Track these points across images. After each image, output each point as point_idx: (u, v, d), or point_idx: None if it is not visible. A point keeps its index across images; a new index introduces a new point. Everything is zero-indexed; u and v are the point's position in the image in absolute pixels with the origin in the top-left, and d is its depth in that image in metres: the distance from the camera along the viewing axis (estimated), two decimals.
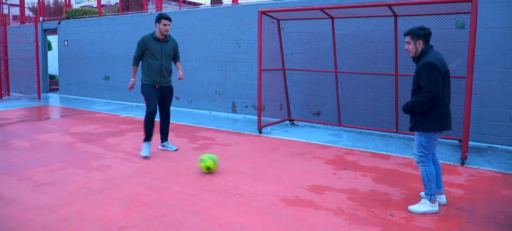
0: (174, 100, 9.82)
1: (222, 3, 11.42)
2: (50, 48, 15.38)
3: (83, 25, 12.02)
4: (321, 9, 6.25)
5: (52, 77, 15.75)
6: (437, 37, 5.87)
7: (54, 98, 12.05)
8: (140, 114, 8.84)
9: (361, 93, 7.15)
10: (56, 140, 6.23)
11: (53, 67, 15.46)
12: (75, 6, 18.58)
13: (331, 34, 7.04)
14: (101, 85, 11.68)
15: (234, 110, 8.95)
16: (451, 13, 5.69)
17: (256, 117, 7.99)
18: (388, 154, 5.53)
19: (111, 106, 10.29)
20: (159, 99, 5.35)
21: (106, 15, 12.42)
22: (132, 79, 5.33)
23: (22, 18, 14.73)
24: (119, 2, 13.66)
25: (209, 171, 4.49)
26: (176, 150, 5.57)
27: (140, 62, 5.35)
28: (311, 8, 6.33)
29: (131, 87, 5.30)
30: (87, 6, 17.14)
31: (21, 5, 14.65)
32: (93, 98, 11.93)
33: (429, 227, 3.20)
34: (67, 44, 12.54)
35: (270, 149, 5.73)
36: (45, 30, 13.38)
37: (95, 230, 3.07)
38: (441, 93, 3.34)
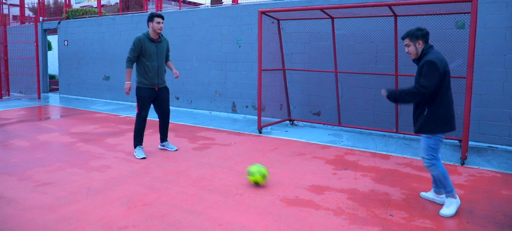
0: (174, 100, 9.82)
1: (222, 3, 11.42)
2: (50, 48, 15.39)
3: (83, 25, 12.02)
4: (321, 9, 6.25)
5: (52, 77, 15.76)
6: (437, 37, 5.87)
7: (54, 98, 12.05)
8: None
9: (361, 93, 7.15)
10: (56, 140, 6.23)
11: (53, 67, 15.47)
12: (75, 6, 18.58)
13: (331, 34, 7.05)
14: (101, 85, 11.68)
15: (234, 110, 8.95)
16: (451, 13, 5.69)
17: (256, 117, 7.99)
18: (388, 154, 5.53)
19: (111, 106, 10.29)
20: (157, 100, 5.32)
21: (106, 15, 12.42)
22: (127, 82, 5.13)
23: (22, 18, 14.73)
24: (119, 2, 13.65)
25: (257, 185, 4.13)
26: (176, 150, 5.58)
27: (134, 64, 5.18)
28: (311, 8, 6.33)
29: (129, 91, 5.14)
30: (87, 6, 17.14)
31: (21, 5, 14.65)
32: (93, 98, 11.93)
33: (429, 227, 3.20)
34: (67, 44, 12.53)
35: (270, 149, 5.73)
36: (45, 30, 13.38)
37: (95, 230, 3.07)
38: (436, 93, 3.34)
